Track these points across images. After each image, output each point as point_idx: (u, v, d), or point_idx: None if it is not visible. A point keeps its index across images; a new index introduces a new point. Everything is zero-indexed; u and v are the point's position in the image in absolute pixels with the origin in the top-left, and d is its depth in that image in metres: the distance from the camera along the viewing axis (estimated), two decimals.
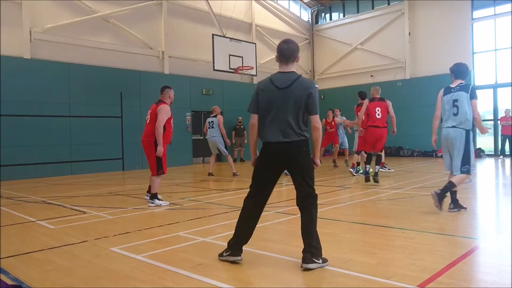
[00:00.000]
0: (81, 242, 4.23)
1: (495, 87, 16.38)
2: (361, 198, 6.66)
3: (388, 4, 19.13)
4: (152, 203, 6.35)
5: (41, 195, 7.93)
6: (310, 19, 21.88)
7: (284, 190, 7.79)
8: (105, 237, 4.41)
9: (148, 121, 6.39)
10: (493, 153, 16.45)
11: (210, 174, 10.91)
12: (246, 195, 3.44)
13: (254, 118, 3.38)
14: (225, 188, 8.59)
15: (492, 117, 16.69)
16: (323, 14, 22.03)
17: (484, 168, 11.78)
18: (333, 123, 12.51)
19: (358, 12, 20.22)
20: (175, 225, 4.97)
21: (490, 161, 14.04)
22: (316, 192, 3.41)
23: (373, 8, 19.64)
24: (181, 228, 4.77)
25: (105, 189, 8.76)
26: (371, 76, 19.29)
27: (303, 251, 3.23)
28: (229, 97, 17.03)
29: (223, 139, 10.51)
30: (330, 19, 21.58)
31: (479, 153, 15.81)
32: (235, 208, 5.94)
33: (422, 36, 17.92)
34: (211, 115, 10.73)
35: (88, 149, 12.82)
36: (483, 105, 17.23)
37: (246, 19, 17.92)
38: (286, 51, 3.33)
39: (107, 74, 13.38)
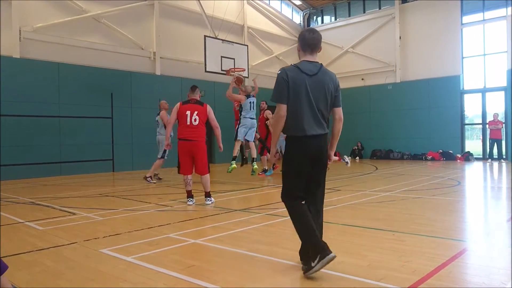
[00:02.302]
0: (70, 243, 4.19)
1: (483, 91, 16.60)
2: (351, 200, 6.69)
3: (379, 8, 19.32)
4: (210, 200, 6.51)
5: (29, 196, 7.83)
6: (302, 22, 21.97)
7: (274, 192, 7.79)
8: (95, 238, 4.38)
9: (196, 122, 6.36)
10: (481, 156, 16.66)
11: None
12: (291, 200, 3.22)
13: (284, 109, 3.12)
14: (215, 190, 8.56)
15: (480, 121, 16.94)
16: (315, 17, 22.14)
17: (472, 172, 11.93)
18: None
19: (349, 16, 20.37)
20: (166, 226, 4.94)
21: (478, 165, 14.21)
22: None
23: (364, 12, 19.82)
24: (171, 229, 4.75)
25: (95, 190, 8.68)
26: (362, 79, 19.45)
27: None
28: (221, 99, 16.96)
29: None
30: (322, 22, 21.70)
31: (468, 157, 16.01)
32: (226, 210, 5.94)
33: (412, 40, 18.12)
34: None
35: (77, 149, 12.70)
36: (472, 109, 17.50)
37: (238, 21, 17.95)
38: (311, 40, 3.19)
39: (97, 75, 13.27)
